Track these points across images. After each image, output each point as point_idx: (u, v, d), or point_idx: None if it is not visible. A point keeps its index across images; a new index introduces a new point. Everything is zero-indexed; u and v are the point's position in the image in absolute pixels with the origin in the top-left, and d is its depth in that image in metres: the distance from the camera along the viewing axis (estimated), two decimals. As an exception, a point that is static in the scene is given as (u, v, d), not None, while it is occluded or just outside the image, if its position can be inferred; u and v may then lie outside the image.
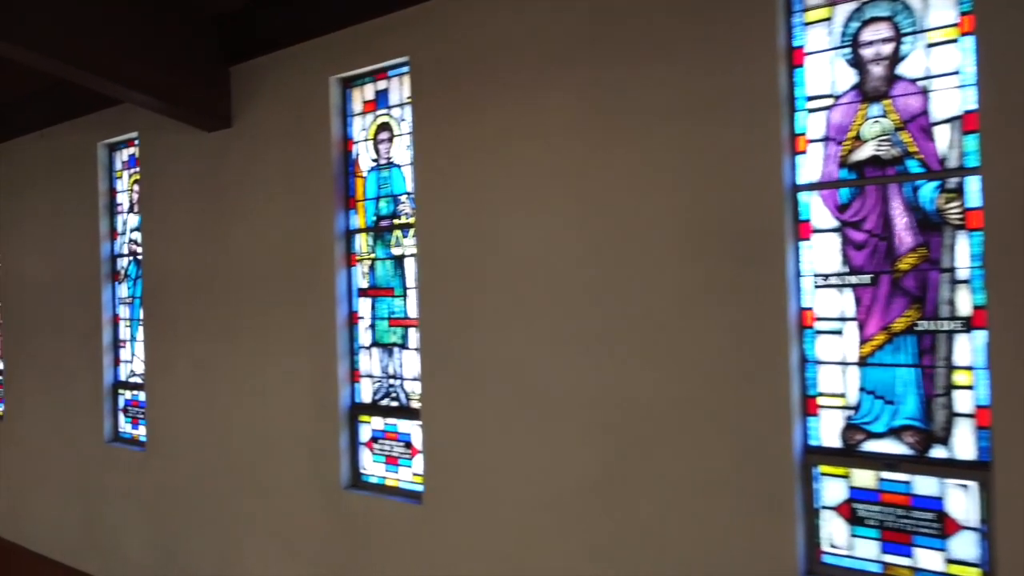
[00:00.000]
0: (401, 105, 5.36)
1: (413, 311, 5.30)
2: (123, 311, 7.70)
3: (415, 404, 5.31)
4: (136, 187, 7.53)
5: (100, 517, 7.66)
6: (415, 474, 5.30)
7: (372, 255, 5.56)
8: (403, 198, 5.36)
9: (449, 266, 4.93)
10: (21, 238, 8.75)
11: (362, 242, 5.61)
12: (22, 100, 8.62)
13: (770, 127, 3.69)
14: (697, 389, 3.91)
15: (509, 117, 4.67)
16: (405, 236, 5.35)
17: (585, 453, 4.34)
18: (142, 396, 7.45)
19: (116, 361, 7.73)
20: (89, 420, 7.79)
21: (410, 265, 5.33)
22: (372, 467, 5.54)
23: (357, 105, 5.65)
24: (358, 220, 5.64)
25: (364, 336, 5.60)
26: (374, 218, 5.55)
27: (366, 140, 5.58)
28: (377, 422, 5.51)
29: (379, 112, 5.50)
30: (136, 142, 7.51)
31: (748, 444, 3.74)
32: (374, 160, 5.54)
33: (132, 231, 7.58)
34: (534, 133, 4.56)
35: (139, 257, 7.49)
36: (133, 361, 7.56)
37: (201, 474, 6.64)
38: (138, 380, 7.50)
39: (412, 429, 5.31)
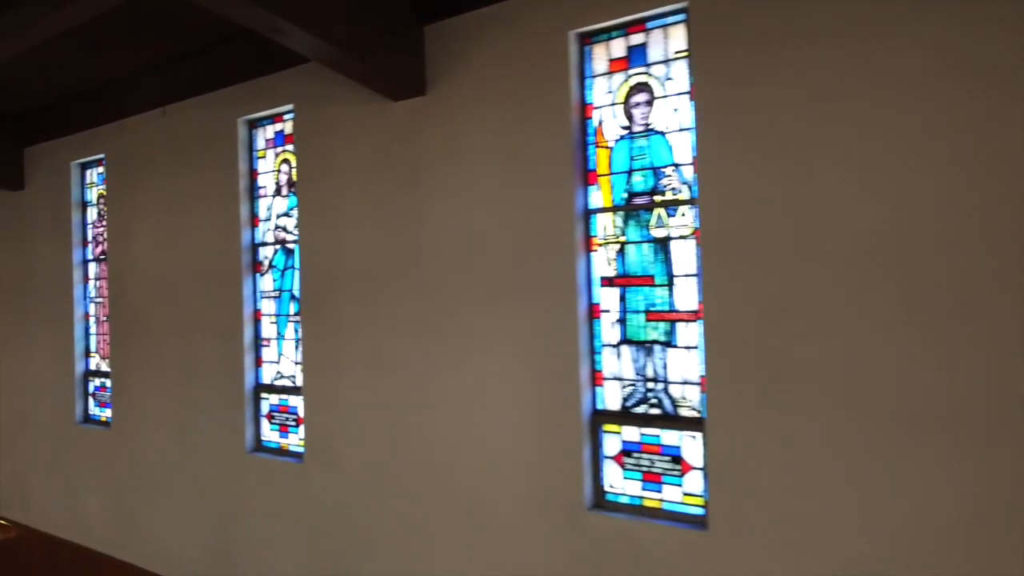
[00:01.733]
0: (667, 61, 4.58)
1: (685, 302, 4.52)
2: (266, 306, 6.91)
3: (687, 412, 4.52)
4: (284, 167, 6.74)
5: (238, 536, 6.87)
6: (686, 494, 4.51)
7: (621, 238, 4.77)
8: (669, 170, 4.58)
9: (750, 247, 4.15)
10: (136, 227, 7.96)
11: (606, 223, 4.83)
12: (136, 74, 7.84)
13: None
14: None
15: (829, 70, 3.90)
16: (672, 214, 4.57)
17: (955, 475, 3.56)
18: (293, 401, 6.66)
19: (258, 362, 6.94)
20: (225, 428, 7.00)
21: (680, 248, 4.54)
22: (623, 485, 4.75)
23: (599, 64, 4.86)
24: (600, 198, 4.86)
25: (609, 333, 4.82)
26: (624, 195, 4.76)
27: (613, 105, 4.80)
28: (630, 432, 4.73)
29: (633, 71, 4.72)
30: (285, 117, 6.72)
31: None
32: (625, 128, 4.76)
33: (279, 216, 6.79)
34: (865, 89, 3.79)
35: (289, 245, 6.70)
36: (280, 362, 6.77)
37: (377, 490, 5.85)
38: (287, 383, 6.71)
39: (683, 441, 4.52)
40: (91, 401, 8.83)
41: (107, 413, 8.59)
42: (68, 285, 8.87)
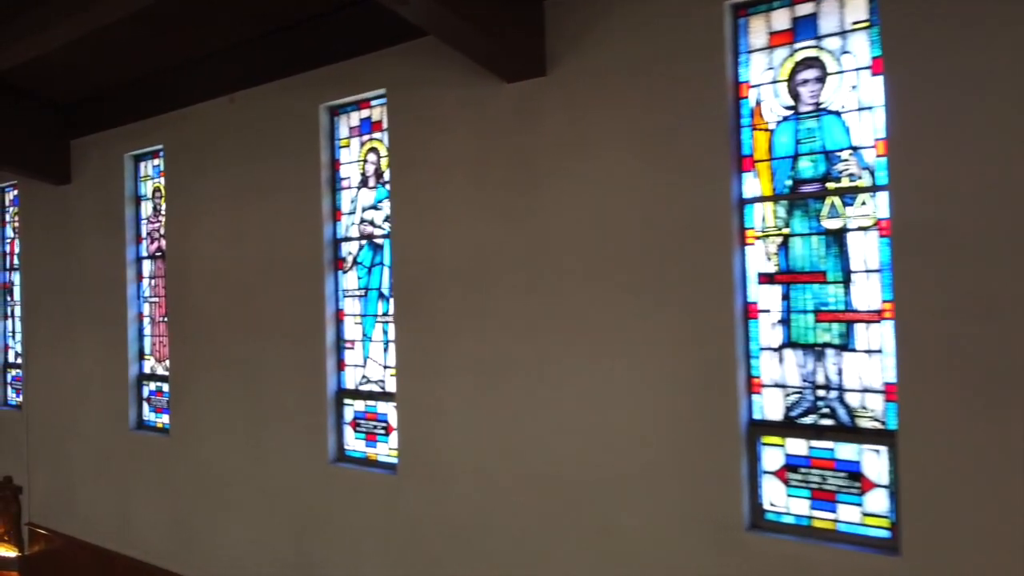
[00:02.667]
0: (843, 33, 4.12)
1: (865, 301, 4.06)
2: (349, 305, 6.44)
3: (868, 423, 4.06)
4: (372, 157, 6.28)
5: (320, 553, 6.40)
6: (867, 514, 4.05)
7: (784, 230, 4.32)
8: (845, 154, 4.12)
9: (951, 239, 3.70)
10: (199, 221, 7.49)
11: (765, 214, 4.37)
12: (199, 60, 7.38)
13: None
14: None
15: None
16: (849, 203, 4.11)
17: None
18: (382, 407, 6.20)
19: (340, 366, 6.48)
20: (304, 436, 6.53)
21: (858, 241, 4.08)
22: (786, 503, 4.29)
23: (757, 38, 4.41)
24: (757, 186, 4.40)
25: (769, 335, 4.36)
26: (788, 183, 4.31)
27: (774, 83, 4.34)
28: (795, 445, 4.27)
29: (799, 45, 4.26)
30: (373, 103, 6.26)
31: None
32: (789, 108, 4.30)
33: (366, 210, 6.33)
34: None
35: (377, 240, 6.24)
36: (367, 365, 6.31)
37: (486, 506, 5.38)
38: (375, 388, 6.24)
39: (864, 455, 4.06)
40: (145, 406, 8.36)
41: (164, 419, 8.12)
42: (120, 284, 8.40)
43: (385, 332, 6.17)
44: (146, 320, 8.37)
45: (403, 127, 5.88)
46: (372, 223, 6.27)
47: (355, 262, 6.39)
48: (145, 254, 8.36)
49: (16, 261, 10.28)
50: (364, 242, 6.33)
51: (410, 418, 5.84)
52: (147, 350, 8.36)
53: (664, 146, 4.58)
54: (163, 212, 8.13)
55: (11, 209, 10.35)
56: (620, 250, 4.75)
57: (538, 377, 5.11)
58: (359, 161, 6.36)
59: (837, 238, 4.14)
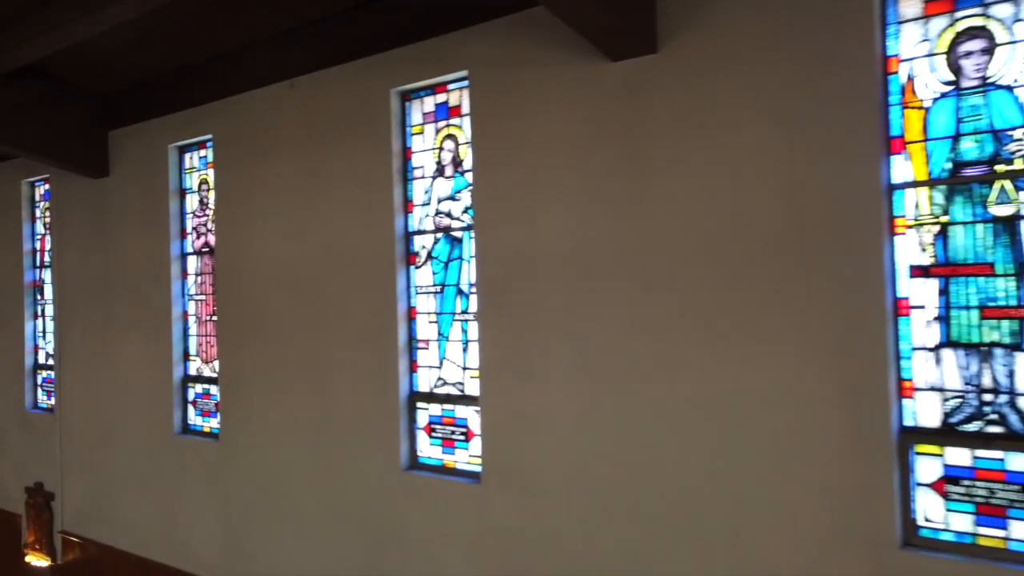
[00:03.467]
0: None
1: (1044, 296, 3.67)
2: (421, 303, 6.04)
3: (1048, 431, 3.67)
4: (449, 144, 5.88)
5: (393, 567, 6.00)
6: (1046, 532, 3.66)
7: (942, 218, 3.92)
8: (1018, 133, 3.72)
9: None
10: (253, 215, 7.09)
11: (919, 200, 3.98)
12: (251, 45, 6.99)
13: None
14: None
15: None
16: (1022, 188, 3.71)
17: None
18: (461, 411, 5.80)
19: (413, 367, 6.08)
20: (373, 442, 6.14)
21: (1035, 229, 3.69)
22: (944, 518, 3.90)
23: (909, 8, 4.01)
24: (909, 169, 4.01)
25: (923, 333, 3.97)
26: (947, 165, 3.91)
27: (931, 55, 3.95)
28: (956, 455, 3.87)
29: (961, 13, 3.87)
30: (450, 86, 5.86)
31: None
32: (948, 83, 3.90)
33: (442, 201, 5.93)
34: None
35: (455, 233, 5.84)
36: (443, 367, 5.91)
37: (587, 519, 4.98)
38: (452, 391, 5.85)
39: (1043, 467, 3.67)
40: (191, 409, 7.96)
41: (212, 423, 7.73)
42: (164, 281, 8.00)
43: (464, 331, 5.77)
44: (191, 319, 7.96)
45: (488, 111, 5.48)
46: (449, 215, 5.87)
47: (430, 256, 5.99)
48: (190, 250, 7.97)
49: (47, 258, 9.87)
50: (440, 235, 5.93)
51: (496, 423, 5.44)
52: (192, 351, 7.96)
53: (800, 128, 4.19)
54: (210, 205, 7.73)
55: (41, 204, 9.94)
56: (748, 242, 4.35)
57: (653, 382, 4.71)
58: (434, 149, 5.96)
59: (1008, 226, 3.75)
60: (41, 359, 10.00)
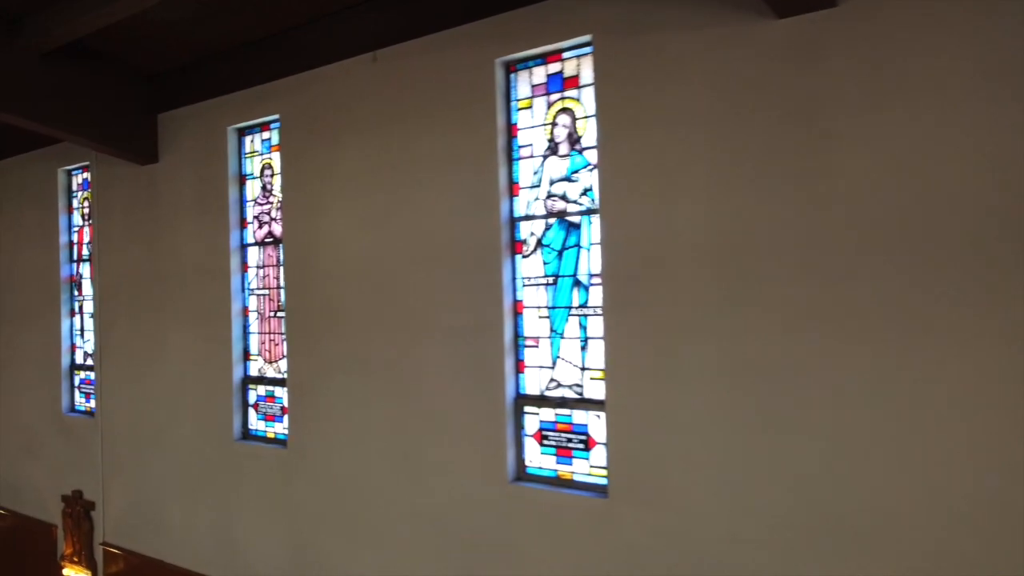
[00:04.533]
0: None
1: None
2: (528, 296, 5.45)
3: None
4: (563, 119, 5.29)
5: (498, 587, 5.41)
6: None
7: None
8: None
9: None
10: (327, 201, 6.49)
11: None
12: (327, 17, 6.39)
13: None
14: None
15: None
16: None
17: None
18: (580, 417, 5.21)
19: (519, 367, 5.49)
20: (472, 449, 5.54)
21: None
22: None
23: None
24: None
25: None
26: None
27: None
28: None
29: None
30: (566, 55, 5.27)
31: None
32: None
33: (555, 182, 5.33)
34: None
35: (572, 219, 5.25)
36: (556, 367, 5.31)
37: (736, 536, 4.40)
38: (569, 393, 5.25)
39: None
40: (252, 413, 7.36)
41: (278, 428, 7.13)
42: (221, 275, 7.39)
43: (583, 327, 5.18)
44: (252, 315, 7.36)
45: (618, 80, 4.88)
46: (564, 198, 5.28)
47: (540, 244, 5.40)
48: (251, 240, 7.36)
49: (85, 252, 9.26)
50: (553, 221, 5.33)
51: (626, 429, 4.85)
52: (253, 350, 7.36)
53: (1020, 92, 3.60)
54: (275, 192, 7.14)
55: (79, 194, 9.33)
56: (948, 226, 3.76)
57: (822, 384, 4.12)
58: (546, 125, 5.37)
59: None
60: (78, 359, 9.39)
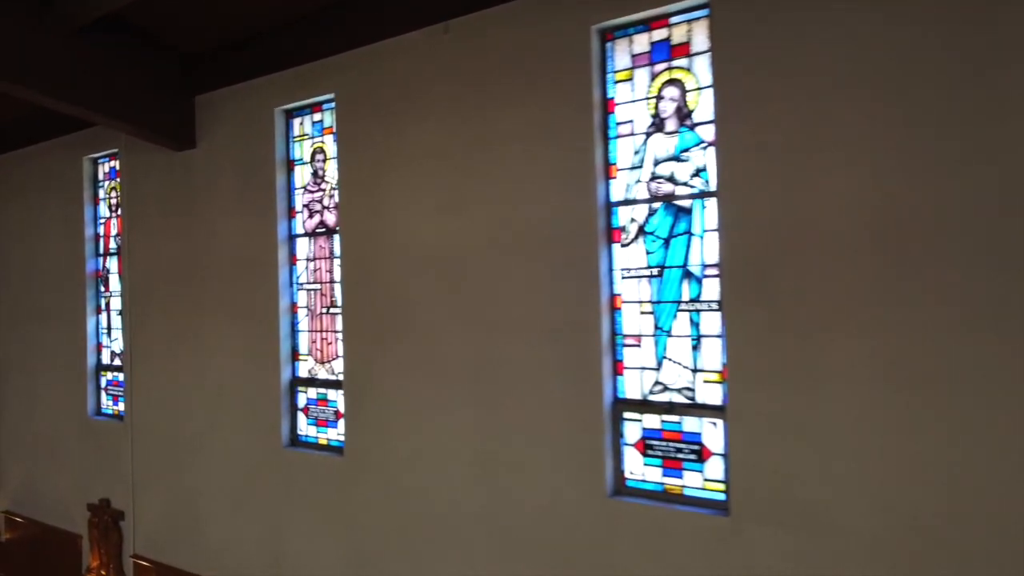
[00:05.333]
0: None
1: None
2: (626, 289, 4.91)
3: None
4: (671, 91, 4.74)
5: (594, 613, 4.86)
6: None
7: None
8: None
9: None
10: (392, 186, 5.94)
11: None
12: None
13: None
14: None
15: None
16: None
17: None
18: (691, 424, 4.66)
19: (617, 368, 4.94)
20: (564, 459, 5.00)
21: None
22: None
23: None
24: None
25: None
26: None
27: None
28: None
29: None
30: (672, 19, 4.72)
31: None
32: None
33: (660, 162, 4.79)
34: None
35: (681, 203, 4.70)
36: (662, 368, 4.77)
37: (896, 565, 3.85)
38: (677, 397, 4.71)
39: None
40: (301, 418, 6.81)
41: (331, 434, 6.58)
42: (267, 268, 6.84)
43: (695, 323, 4.63)
44: (301, 312, 6.81)
45: (740, 46, 4.34)
46: (672, 179, 4.73)
47: (641, 232, 4.85)
48: (300, 231, 6.81)
49: (113, 245, 8.71)
50: (658, 205, 4.79)
51: (752, 438, 4.30)
52: (303, 349, 6.81)
53: None
54: (327, 178, 6.59)
55: (106, 184, 8.78)
56: None
57: (995, 389, 3.59)
58: (649, 98, 4.82)
59: None
60: (105, 359, 8.84)
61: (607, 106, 4.97)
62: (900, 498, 3.86)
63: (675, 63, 4.72)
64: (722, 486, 4.49)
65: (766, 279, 4.25)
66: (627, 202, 4.89)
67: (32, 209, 9.45)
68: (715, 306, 4.53)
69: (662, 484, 4.75)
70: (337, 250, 6.47)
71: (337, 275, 6.50)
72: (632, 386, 4.89)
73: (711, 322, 4.56)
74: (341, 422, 6.45)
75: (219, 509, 7.28)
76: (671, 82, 4.72)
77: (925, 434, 3.79)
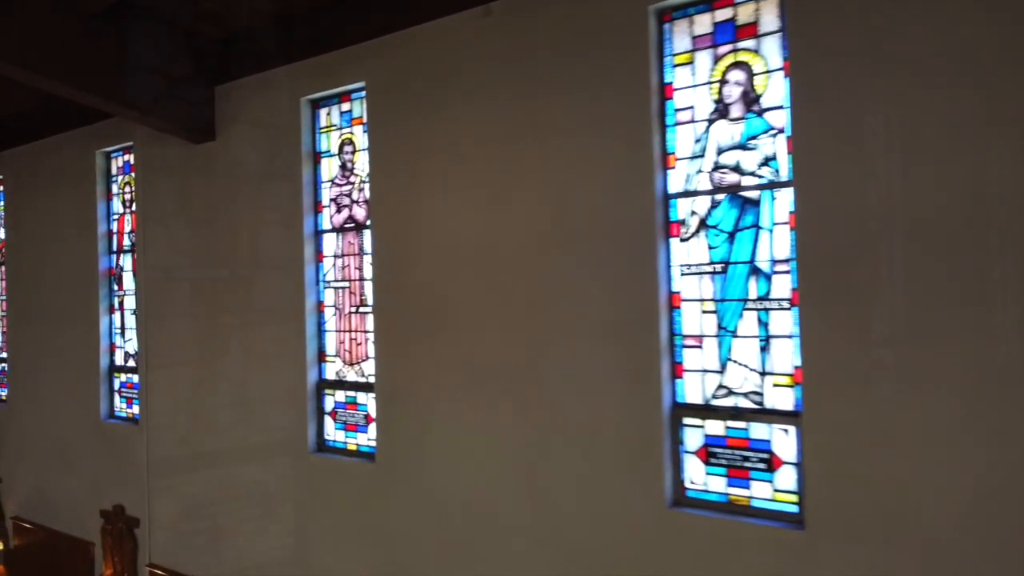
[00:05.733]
0: None
1: None
2: (689, 287, 4.61)
3: None
4: (736, 75, 4.43)
5: (652, 631, 4.56)
6: None
7: None
8: None
9: None
10: (428, 179, 5.64)
11: None
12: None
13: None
14: None
15: None
16: None
17: None
18: (758, 431, 4.36)
19: (676, 371, 4.64)
20: (618, 468, 4.70)
21: None
22: None
23: None
24: None
25: None
26: None
27: None
28: None
29: None
30: (739, -1, 4.43)
31: None
32: None
33: (724, 151, 4.48)
34: None
35: (748, 194, 4.40)
36: (727, 370, 4.47)
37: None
38: (743, 403, 4.41)
39: None
40: (328, 422, 6.51)
41: (361, 439, 6.28)
42: (292, 266, 6.54)
43: (763, 323, 4.33)
44: (328, 311, 6.51)
45: (817, 24, 4.03)
46: (738, 169, 4.43)
47: (703, 225, 4.55)
48: (328, 226, 6.51)
49: (127, 242, 8.41)
50: (722, 197, 4.48)
51: (830, 446, 4.00)
52: (330, 350, 6.50)
53: None
54: (357, 171, 6.29)
55: (120, 178, 8.47)
56: None
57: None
58: (712, 83, 4.51)
59: None
60: (118, 360, 8.53)
61: (664, 92, 4.67)
62: (997, 512, 3.56)
63: (741, 44, 4.41)
64: (795, 497, 4.19)
65: (846, 275, 3.94)
66: (687, 194, 4.59)
67: (43, 205, 9.16)
68: (786, 304, 4.23)
69: (727, 494, 4.45)
70: (367, 246, 6.17)
71: (367, 272, 6.20)
72: (693, 390, 4.59)
73: (781, 321, 4.26)
74: (371, 426, 6.15)
75: (240, 517, 6.98)
76: (736, 65, 4.42)
77: (1027, 443, 3.49)
